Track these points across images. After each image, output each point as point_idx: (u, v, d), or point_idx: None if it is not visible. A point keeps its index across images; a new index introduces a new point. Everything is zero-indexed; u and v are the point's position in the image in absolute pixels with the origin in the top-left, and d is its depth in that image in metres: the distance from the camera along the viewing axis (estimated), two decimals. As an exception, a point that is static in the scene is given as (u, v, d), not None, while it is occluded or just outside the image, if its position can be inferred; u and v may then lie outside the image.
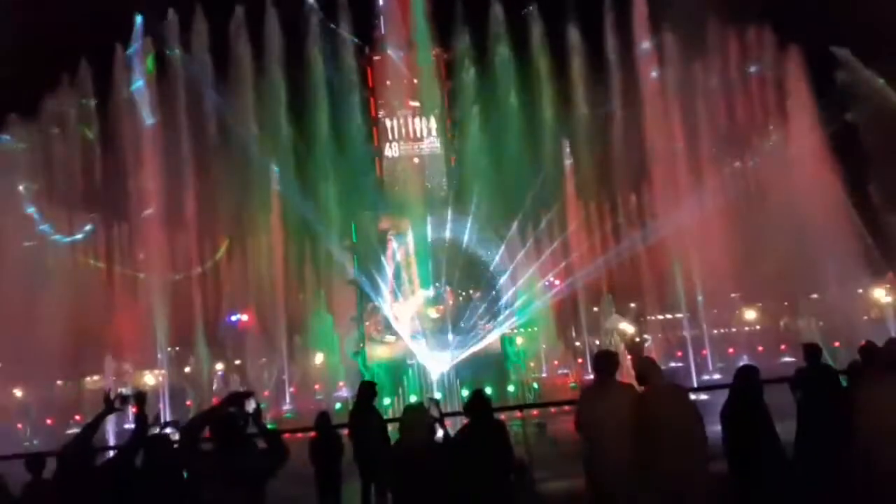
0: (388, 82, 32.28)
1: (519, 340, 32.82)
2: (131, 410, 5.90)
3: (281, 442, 5.10)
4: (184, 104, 27.43)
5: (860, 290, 28.72)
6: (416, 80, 31.98)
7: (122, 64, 26.72)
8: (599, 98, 28.19)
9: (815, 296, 27.75)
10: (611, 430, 6.23)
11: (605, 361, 6.62)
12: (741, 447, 5.92)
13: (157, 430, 5.92)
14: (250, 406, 5.13)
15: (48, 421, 26.80)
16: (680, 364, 26.44)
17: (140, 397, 5.61)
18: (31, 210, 26.99)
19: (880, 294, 29.37)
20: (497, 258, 30.55)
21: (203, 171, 27.52)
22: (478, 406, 5.80)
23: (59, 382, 32.79)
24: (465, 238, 30.44)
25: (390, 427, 9.23)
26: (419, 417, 5.67)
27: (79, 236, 26.30)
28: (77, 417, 24.97)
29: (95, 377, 27.83)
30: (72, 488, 5.08)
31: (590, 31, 29.58)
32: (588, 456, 6.54)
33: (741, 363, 8.23)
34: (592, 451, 6.47)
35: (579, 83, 28.77)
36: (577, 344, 31.94)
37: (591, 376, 25.18)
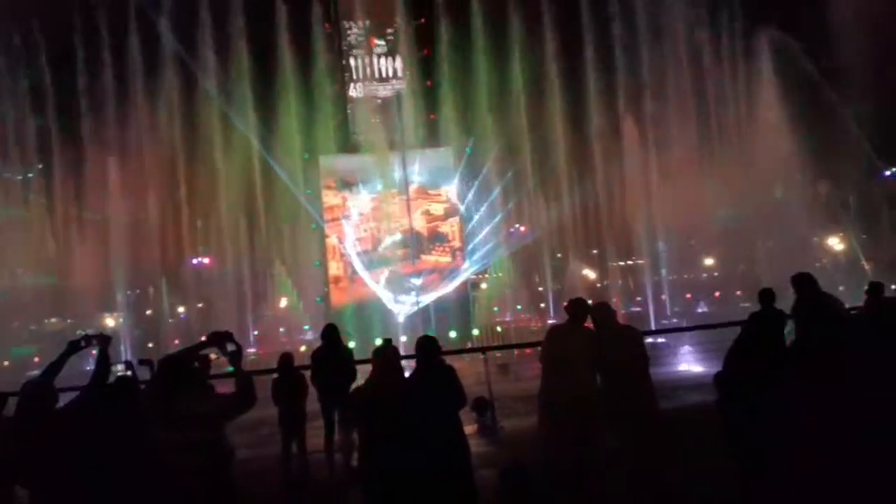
0: (354, 19, 31.49)
1: (484, 285, 33.24)
2: (92, 352, 5.79)
3: (252, 387, 5.09)
4: (138, 38, 26.37)
5: (815, 239, 29.59)
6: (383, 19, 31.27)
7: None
8: (569, 43, 27.93)
9: (770, 244, 28.50)
10: (569, 365, 6.76)
11: (577, 307, 7.14)
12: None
13: (123, 371, 5.84)
14: (230, 347, 5.11)
15: (5, 363, 26.40)
16: (639, 309, 27.08)
17: (103, 339, 5.52)
18: None
19: (833, 242, 30.30)
20: (459, 200, 30.61)
21: (161, 111, 26.68)
22: (425, 350, 5.87)
23: (15, 324, 32.19)
24: (433, 181, 30.36)
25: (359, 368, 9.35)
26: (391, 357, 5.70)
27: (31, 174, 25.39)
28: (35, 360, 24.61)
29: (53, 319, 27.35)
30: (32, 426, 5.03)
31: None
32: (545, 387, 6.99)
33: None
34: (549, 383, 6.96)
35: (550, 29, 28.42)
36: (541, 289, 32.41)
37: (554, 321, 25.80)
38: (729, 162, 26.42)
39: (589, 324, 7.19)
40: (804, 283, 8.37)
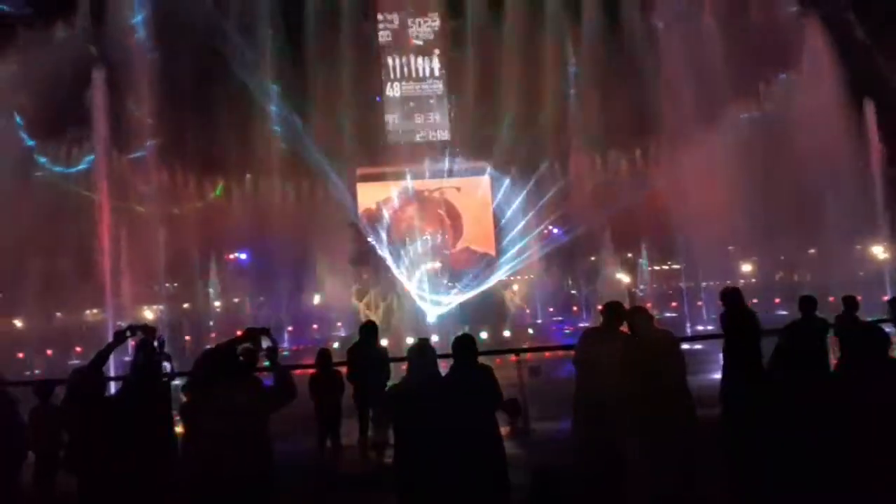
0: (393, 19, 31.70)
1: (516, 286, 33.16)
2: (131, 343, 5.95)
3: (291, 381, 5.18)
4: (184, 40, 26.80)
5: (858, 247, 28.80)
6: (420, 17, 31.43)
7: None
8: (607, 39, 27.62)
9: (812, 251, 27.86)
10: (603, 371, 6.67)
11: (613, 311, 7.07)
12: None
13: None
14: (266, 343, 5.21)
15: (48, 352, 27.15)
16: (674, 314, 26.67)
17: (148, 330, 5.69)
18: (29, 143, 26.63)
19: (878, 251, 29.43)
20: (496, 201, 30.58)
21: (204, 107, 27.13)
22: (462, 349, 5.89)
23: (58, 314, 33.11)
24: (468, 182, 30.44)
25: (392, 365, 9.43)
26: (427, 355, 5.75)
27: (82, 166, 25.93)
28: (77, 349, 25.28)
29: (94, 310, 28.03)
30: (81, 413, 5.19)
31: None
32: (579, 391, 6.98)
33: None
34: (583, 389, 6.93)
35: (588, 24, 28.17)
36: (573, 292, 32.22)
37: (586, 324, 25.58)
38: (771, 165, 25.82)
39: (625, 328, 7.12)
40: (730, 297, 8.58)
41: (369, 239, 30.05)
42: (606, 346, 6.84)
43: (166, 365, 6.02)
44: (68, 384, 5.46)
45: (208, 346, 5.47)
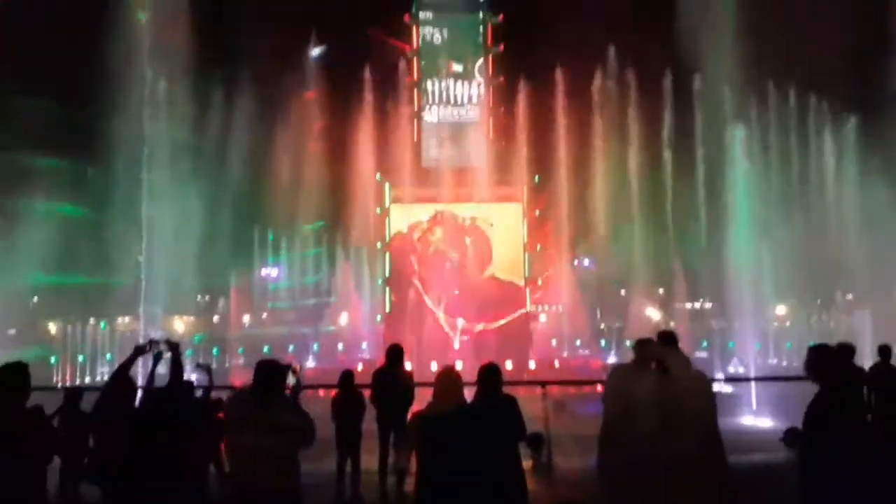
0: (432, 43, 32.11)
1: (543, 318, 32.88)
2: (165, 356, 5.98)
3: (310, 424, 5.14)
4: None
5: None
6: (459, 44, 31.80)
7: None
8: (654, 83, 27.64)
9: (850, 296, 27.19)
10: (632, 408, 6.54)
11: (644, 348, 6.93)
12: None
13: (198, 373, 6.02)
14: (291, 380, 5.20)
15: (79, 357, 27.65)
16: (704, 354, 26.13)
17: (172, 345, 5.72)
18: None
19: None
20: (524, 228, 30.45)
21: (236, 127, 27.66)
22: (488, 378, 5.83)
23: (91, 321, 33.73)
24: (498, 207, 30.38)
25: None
26: (454, 382, 5.69)
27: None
28: (108, 356, 25.72)
29: (127, 318, 28.51)
30: (103, 424, 5.23)
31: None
32: (605, 429, 6.83)
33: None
34: (610, 425, 6.79)
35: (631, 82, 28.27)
36: (602, 326, 31.82)
37: (612, 359, 25.12)
38: (812, 208, 25.37)
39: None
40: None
41: (400, 262, 30.15)
42: (637, 384, 6.73)
43: (201, 377, 6.03)
44: (99, 394, 5.54)
45: (263, 360, 5.40)
